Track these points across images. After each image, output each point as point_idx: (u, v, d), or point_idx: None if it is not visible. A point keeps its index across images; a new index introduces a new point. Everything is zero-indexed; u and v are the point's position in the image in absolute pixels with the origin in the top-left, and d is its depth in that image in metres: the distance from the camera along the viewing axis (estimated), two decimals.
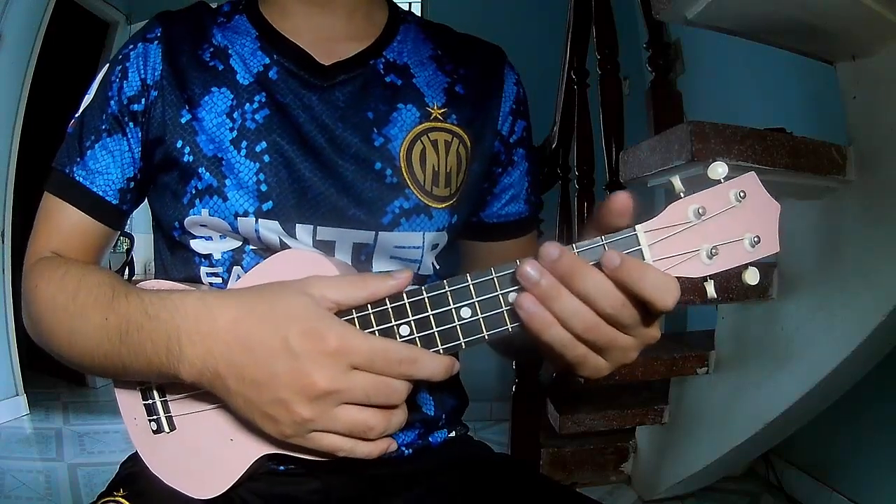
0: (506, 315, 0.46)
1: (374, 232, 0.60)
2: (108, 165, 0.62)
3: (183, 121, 0.60)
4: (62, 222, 0.61)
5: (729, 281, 1.34)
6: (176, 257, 0.64)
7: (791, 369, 1.33)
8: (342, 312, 0.48)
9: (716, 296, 0.45)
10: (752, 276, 0.44)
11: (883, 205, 1.12)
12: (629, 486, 1.89)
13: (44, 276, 0.57)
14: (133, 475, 0.60)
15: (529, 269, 0.43)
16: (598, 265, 0.43)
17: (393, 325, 0.48)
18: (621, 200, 0.44)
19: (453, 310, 0.47)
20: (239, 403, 0.48)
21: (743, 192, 0.44)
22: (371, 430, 0.47)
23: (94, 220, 0.62)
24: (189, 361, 0.47)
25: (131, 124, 0.61)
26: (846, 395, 1.39)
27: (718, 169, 0.43)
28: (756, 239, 0.44)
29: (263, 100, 0.61)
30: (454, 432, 0.70)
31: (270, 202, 0.59)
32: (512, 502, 0.62)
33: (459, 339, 0.47)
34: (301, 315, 0.46)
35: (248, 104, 0.60)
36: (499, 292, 0.46)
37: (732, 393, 1.51)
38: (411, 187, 0.61)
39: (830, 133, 1.23)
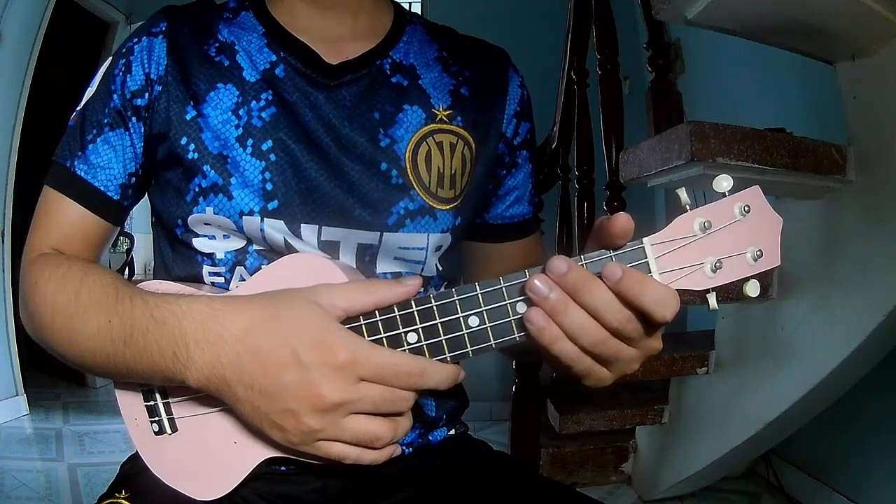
0: (513, 325, 0.46)
1: (378, 233, 0.60)
2: (109, 160, 0.61)
3: (188, 117, 0.59)
4: (62, 217, 0.61)
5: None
6: (178, 255, 0.63)
7: (791, 369, 1.33)
8: (350, 318, 0.48)
9: (717, 308, 0.45)
10: (752, 289, 0.45)
11: (883, 205, 1.12)
12: (629, 486, 1.89)
13: (44, 273, 0.56)
14: (134, 476, 0.59)
15: (539, 283, 0.44)
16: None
17: (401, 333, 0.48)
18: (622, 223, 0.44)
19: (461, 318, 0.47)
20: (246, 410, 0.48)
21: (748, 206, 0.45)
22: (378, 440, 0.47)
23: (94, 215, 0.61)
24: (197, 367, 0.47)
25: (134, 119, 0.61)
26: (846, 395, 1.39)
27: (724, 183, 0.44)
28: (759, 253, 0.45)
29: (270, 98, 0.60)
30: (454, 430, 0.71)
31: (276, 201, 0.58)
32: (511, 498, 0.62)
33: (467, 348, 0.47)
34: (311, 326, 0.46)
35: (254, 101, 0.60)
36: (507, 302, 0.46)
37: (732, 393, 1.51)
38: (416, 189, 0.61)
39: (830, 133, 1.23)
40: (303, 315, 0.46)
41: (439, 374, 0.47)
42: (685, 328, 2.45)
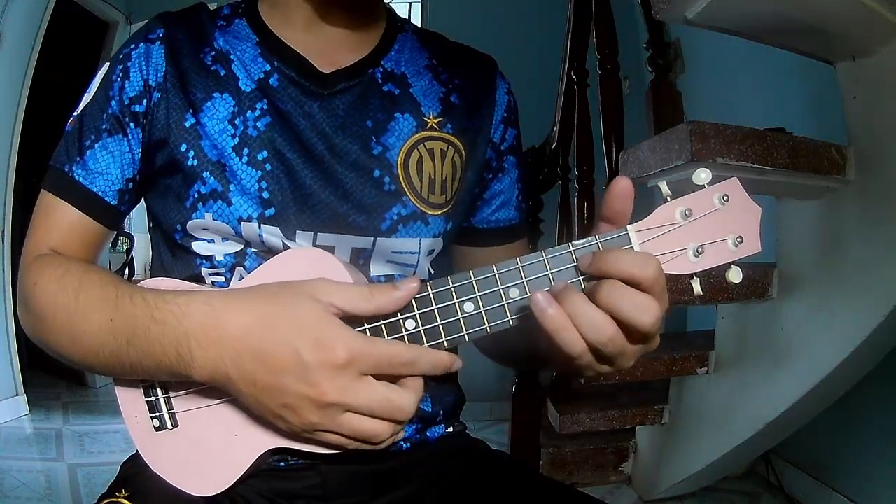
0: (506, 308, 0.48)
1: (372, 238, 0.61)
2: (108, 166, 0.61)
3: (187, 124, 0.60)
4: (60, 221, 0.61)
5: (729, 281, 1.33)
6: (176, 258, 0.64)
7: (791, 369, 1.33)
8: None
9: (702, 293, 0.48)
10: (735, 275, 0.48)
11: (883, 205, 1.12)
12: (629, 486, 1.89)
13: (43, 274, 0.56)
14: (134, 475, 0.60)
15: (542, 295, 0.45)
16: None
17: (399, 320, 0.49)
18: (620, 183, 0.47)
19: (457, 304, 0.48)
20: (250, 403, 0.49)
21: (726, 195, 0.47)
22: (376, 437, 0.48)
23: (92, 220, 0.62)
24: (200, 365, 0.48)
25: (132, 125, 0.61)
26: (846, 395, 1.39)
27: (702, 175, 0.47)
28: (739, 239, 0.47)
29: (265, 107, 0.61)
30: (451, 428, 0.71)
31: (273, 209, 0.59)
32: (511, 497, 0.63)
33: (463, 332, 0.49)
34: (310, 324, 0.46)
35: (249, 111, 0.60)
36: (500, 287, 0.48)
37: (732, 393, 1.51)
38: (408, 195, 0.62)
39: (830, 133, 1.23)
40: (302, 313, 0.47)
41: (432, 360, 0.48)
42: (685, 328, 2.46)
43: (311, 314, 0.46)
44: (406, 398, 0.47)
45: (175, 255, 0.64)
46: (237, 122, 0.60)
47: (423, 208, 0.63)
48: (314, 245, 0.60)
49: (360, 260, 0.62)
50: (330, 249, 0.60)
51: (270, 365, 0.46)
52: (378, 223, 0.61)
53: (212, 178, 0.59)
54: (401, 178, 0.62)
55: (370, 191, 0.61)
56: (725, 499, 1.88)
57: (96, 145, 0.61)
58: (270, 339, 0.46)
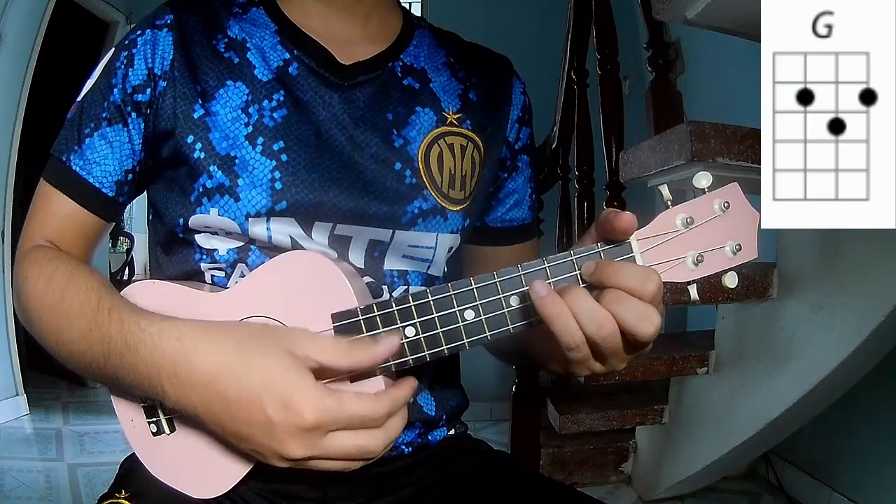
0: (507, 316, 0.48)
1: (391, 230, 0.61)
2: (105, 156, 0.60)
3: (196, 116, 0.58)
4: (56, 211, 0.60)
5: (725, 285, 1.33)
6: (173, 255, 0.63)
7: (791, 369, 1.33)
8: (349, 314, 0.49)
9: (698, 298, 0.48)
10: (731, 280, 0.47)
11: None
12: (629, 486, 1.89)
13: (34, 269, 0.56)
14: (134, 475, 0.59)
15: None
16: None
17: (399, 327, 0.49)
18: (626, 222, 0.46)
19: (457, 312, 0.48)
20: (220, 439, 0.50)
21: (727, 202, 0.47)
22: (349, 467, 0.48)
23: (88, 211, 0.61)
24: (171, 399, 0.48)
25: (134, 115, 0.60)
26: (846, 395, 1.39)
27: (703, 180, 0.46)
28: (737, 247, 0.47)
29: (282, 98, 0.60)
30: (453, 430, 0.71)
31: (284, 202, 0.58)
32: (511, 498, 0.63)
33: (463, 340, 0.49)
34: (279, 380, 0.45)
35: (265, 101, 0.59)
36: (501, 295, 0.48)
37: (732, 393, 1.51)
38: (429, 189, 0.62)
39: None
40: (273, 366, 0.46)
41: (402, 401, 0.48)
42: (685, 328, 2.45)
43: (280, 369, 0.46)
44: (374, 442, 0.47)
45: (171, 251, 0.63)
46: (251, 110, 0.59)
47: (443, 203, 0.63)
48: (332, 234, 0.59)
49: (375, 252, 0.61)
50: (347, 240, 0.60)
51: (237, 415, 0.46)
52: (399, 216, 0.61)
53: (219, 171, 0.57)
54: (422, 171, 0.62)
55: (391, 183, 0.61)
56: (725, 499, 1.88)
57: (95, 134, 0.60)
58: (237, 389, 0.46)
